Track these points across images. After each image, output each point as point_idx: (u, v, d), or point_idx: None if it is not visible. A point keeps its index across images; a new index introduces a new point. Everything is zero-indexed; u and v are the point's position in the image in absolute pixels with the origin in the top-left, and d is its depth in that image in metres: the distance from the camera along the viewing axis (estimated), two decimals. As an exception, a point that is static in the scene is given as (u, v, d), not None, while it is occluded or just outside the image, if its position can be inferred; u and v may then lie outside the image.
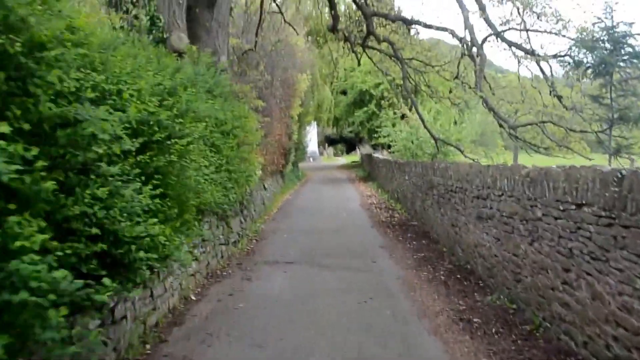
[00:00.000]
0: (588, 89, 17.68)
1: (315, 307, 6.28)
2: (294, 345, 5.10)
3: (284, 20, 17.14)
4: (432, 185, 10.92)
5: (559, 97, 13.82)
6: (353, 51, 18.59)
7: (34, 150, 2.64)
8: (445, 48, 21.24)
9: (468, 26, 13.67)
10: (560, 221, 4.80)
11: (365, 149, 44.30)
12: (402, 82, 17.02)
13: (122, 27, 6.74)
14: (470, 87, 15.02)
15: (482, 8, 13.54)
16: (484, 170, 7.24)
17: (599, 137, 14.44)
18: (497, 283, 6.67)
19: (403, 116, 20.98)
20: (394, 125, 21.18)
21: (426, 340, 5.19)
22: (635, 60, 17.00)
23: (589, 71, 16.58)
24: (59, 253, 2.77)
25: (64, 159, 3.12)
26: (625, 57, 16.79)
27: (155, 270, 5.12)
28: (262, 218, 13.98)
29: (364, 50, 18.19)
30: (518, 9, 13.49)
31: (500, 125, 14.30)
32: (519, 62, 14.36)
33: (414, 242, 10.37)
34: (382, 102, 26.58)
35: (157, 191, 4.30)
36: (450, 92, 18.71)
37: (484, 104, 14.09)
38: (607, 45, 16.36)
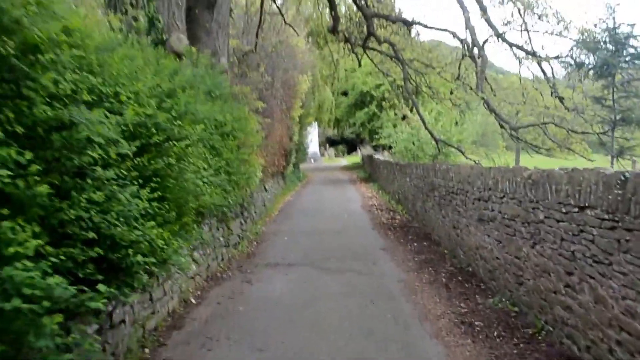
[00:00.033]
0: (590, 90, 17.65)
1: (317, 311, 6.23)
2: (294, 349, 5.07)
3: (285, 21, 17.11)
4: (433, 187, 10.88)
5: (561, 99, 13.78)
6: (354, 52, 18.59)
7: (28, 155, 2.60)
8: (446, 49, 21.21)
9: (469, 27, 13.64)
10: (562, 224, 4.76)
11: (367, 150, 44.24)
12: (403, 83, 17.01)
13: (120, 29, 6.68)
14: (471, 89, 14.98)
15: (483, 9, 13.51)
16: (486, 172, 7.19)
17: (600, 139, 14.40)
18: (498, 286, 6.62)
19: (404, 117, 20.95)
20: (395, 126, 21.15)
21: (428, 344, 5.14)
22: (637, 62, 16.97)
23: (591, 72, 16.54)
24: (53, 259, 2.72)
25: (59, 162, 3.08)
26: (627, 59, 16.75)
27: (154, 274, 5.08)
28: (263, 220, 13.93)
29: (364, 52, 18.18)
30: (519, 10, 13.46)
31: (502, 127, 14.26)
32: (520, 63, 14.33)
33: (415, 244, 10.32)
34: (383, 103, 26.63)
35: (155, 194, 4.26)
36: (452, 93, 18.68)
37: (486, 106, 14.06)
38: (609, 46, 16.32)
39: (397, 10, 23.53)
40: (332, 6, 15.81)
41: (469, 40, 13.80)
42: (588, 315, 4.31)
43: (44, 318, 2.46)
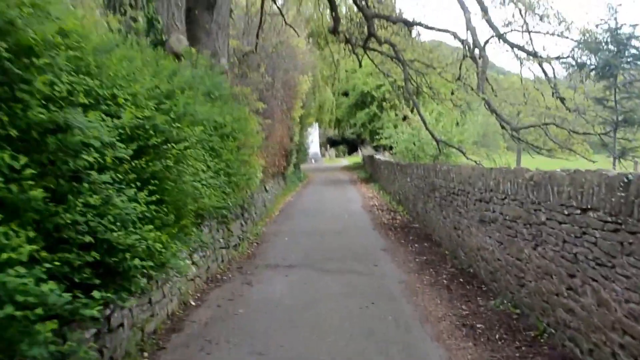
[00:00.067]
0: (591, 91, 17.58)
1: (317, 312, 6.19)
2: (295, 352, 5.03)
3: (285, 22, 17.08)
4: (434, 187, 10.84)
5: (562, 99, 13.73)
6: (354, 53, 18.57)
7: (22, 159, 2.56)
8: (447, 49, 21.15)
9: (470, 28, 13.60)
10: (564, 226, 4.71)
11: (367, 150, 44.17)
12: (403, 83, 16.96)
13: (119, 30, 6.64)
14: (472, 89, 14.94)
15: (484, 10, 13.46)
16: (487, 173, 7.15)
17: (602, 140, 14.35)
18: (500, 287, 6.58)
19: (405, 118, 20.89)
20: (395, 126, 21.08)
21: (429, 347, 5.10)
22: (639, 62, 16.91)
23: (592, 73, 16.48)
24: (48, 265, 2.67)
25: (54, 165, 3.04)
26: (629, 59, 16.69)
27: (153, 278, 5.04)
28: (264, 220, 13.90)
29: (365, 52, 18.15)
30: (520, 10, 13.41)
31: (503, 127, 14.21)
32: (521, 63, 14.28)
33: (416, 245, 10.28)
34: (384, 103, 26.59)
35: (154, 197, 4.21)
36: (452, 93, 18.63)
37: (487, 106, 14.01)
38: (611, 47, 16.25)
39: (397, 11, 23.46)
40: (333, 7, 15.78)
41: (470, 40, 13.76)
42: (591, 318, 4.27)
43: (38, 325, 2.42)
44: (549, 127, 13.77)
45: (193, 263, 7.00)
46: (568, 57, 14.24)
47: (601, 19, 16.46)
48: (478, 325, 5.62)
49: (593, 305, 4.23)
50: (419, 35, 25.10)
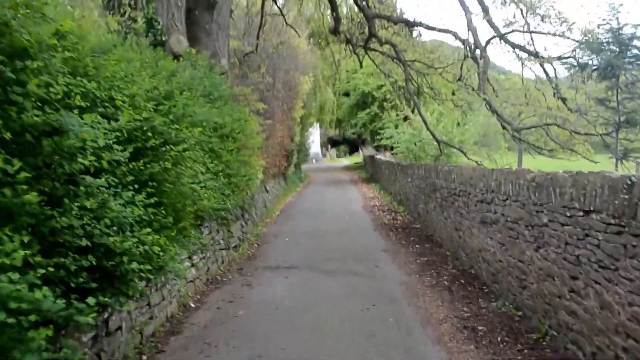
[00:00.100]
0: (593, 91, 17.53)
1: (317, 314, 6.16)
2: (295, 354, 5.00)
3: (286, 22, 17.04)
4: (435, 188, 10.79)
5: (563, 100, 13.68)
6: (355, 53, 18.53)
7: (17, 163, 2.51)
8: (448, 50, 21.08)
9: (471, 28, 13.55)
10: (567, 228, 4.67)
11: (368, 150, 44.12)
12: (404, 84, 16.92)
13: (117, 31, 6.60)
14: (473, 90, 14.89)
15: (485, 10, 13.42)
16: (488, 174, 7.11)
17: (604, 141, 14.29)
18: (502, 289, 6.54)
19: (406, 118, 20.84)
20: (396, 127, 21.06)
21: (430, 350, 5.06)
22: (641, 63, 16.87)
23: (594, 74, 16.42)
24: (42, 271, 2.63)
25: (49, 168, 3.00)
26: (632, 60, 16.63)
27: (151, 282, 5.00)
28: (264, 221, 13.87)
29: (366, 52, 18.12)
30: (522, 10, 13.35)
31: (504, 128, 14.16)
32: (522, 64, 14.22)
33: (417, 246, 10.24)
34: (385, 103, 26.49)
35: (152, 200, 4.17)
36: (453, 94, 18.59)
37: (488, 107, 13.96)
38: (613, 47, 16.19)
39: (398, 11, 23.43)
40: (334, 7, 15.76)
41: (471, 41, 13.70)
42: (593, 321, 4.22)
43: (31, 332, 2.38)
44: (550, 128, 13.72)
45: (193, 265, 6.97)
46: (570, 57, 14.18)
47: (603, 19, 16.40)
48: (480, 328, 5.58)
49: (596, 308, 4.18)
50: (420, 35, 25.02)
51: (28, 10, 2.95)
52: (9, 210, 2.56)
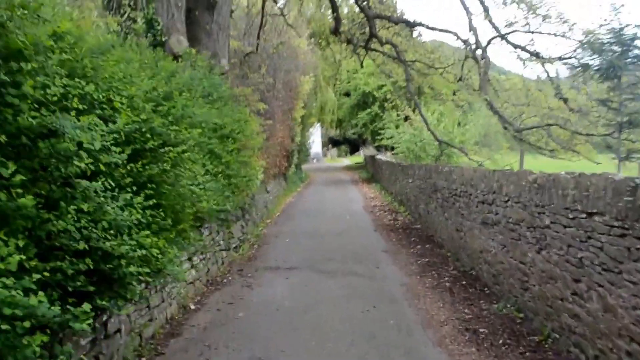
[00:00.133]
0: (595, 92, 17.49)
1: (318, 316, 6.13)
2: (295, 357, 4.99)
3: (286, 22, 17.01)
4: (436, 188, 10.75)
5: (565, 100, 13.64)
6: (356, 53, 18.50)
7: (12, 167, 2.48)
8: (448, 50, 21.04)
9: (472, 28, 13.52)
10: (569, 230, 4.63)
11: (369, 150, 44.11)
12: (405, 84, 16.89)
13: (116, 31, 6.56)
14: (474, 90, 14.86)
15: (486, 10, 13.39)
16: (489, 175, 7.07)
17: (607, 142, 14.26)
18: (503, 290, 6.50)
19: (406, 118, 20.81)
20: (397, 127, 21.01)
21: (431, 352, 5.02)
22: (643, 63, 16.83)
23: (596, 75, 16.40)
24: (37, 276, 2.59)
25: (46, 171, 2.96)
26: (634, 60, 16.59)
27: (150, 284, 4.97)
28: (264, 222, 13.84)
29: (366, 53, 18.08)
30: (523, 10, 13.32)
31: (505, 128, 14.13)
32: (524, 64, 14.19)
33: (418, 247, 10.19)
34: (385, 104, 26.41)
35: (151, 202, 4.13)
36: (454, 94, 18.56)
37: (489, 107, 13.92)
38: (615, 48, 16.15)
39: (399, 12, 23.39)
40: (334, 7, 15.73)
41: (472, 41, 13.69)
42: (597, 324, 4.18)
43: (26, 338, 2.34)
44: (551, 128, 13.68)
45: (193, 266, 6.93)
46: (571, 57, 14.15)
47: (604, 20, 16.39)
48: (481, 330, 5.54)
49: (599, 311, 4.14)
50: (421, 35, 25.03)
51: (25, 12, 2.92)
52: (4, 214, 2.53)
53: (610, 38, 16.01)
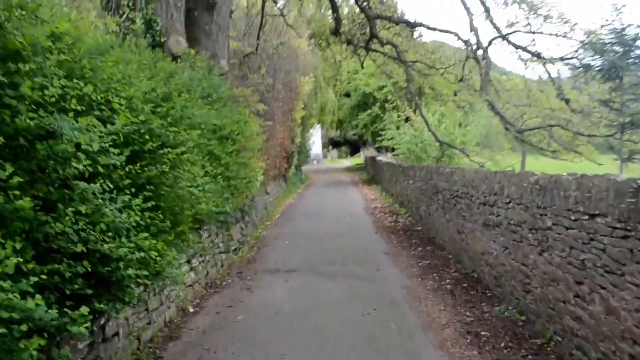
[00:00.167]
0: (597, 93, 17.46)
1: (318, 319, 6.09)
2: (295, 360, 4.93)
3: (286, 23, 16.98)
4: (437, 190, 10.71)
5: (567, 100, 13.60)
6: (356, 54, 18.48)
7: (9, 168, 2.44)
8: (449, 50, 21.00)
9: (473, 29, 13.49)
10: (571, 231, 4.59)
11: (370, 151, 44.09)
12: (405, 84, 16.87)
13: (114, 32, 6.53)
14: (475, 90, 14.83)
15: (487, 10, 13.36)
16: (491, 176, 7.03)
17: (609, 142, 14.23)
18: (505, 293, 6.46)
19: (407, 119, 20.78)
20: (398, 128, 20.98)
21: (432, 356, 4.98)
22: (645, 64, 16.80)
23: (598, 76, 16.37)
24: (35, 278, 2.55)
25: (44, 173, 2.93)
26: (636, 61, 16.57)
27: (148, 287, 4.93)
28: (264, 224, 13.81)
29: (367, 53, 18.06)
30: (524, 11, 13.29)
31: (507, 129, 14.10)
32: (525, 64, 14.15)
33: (419, 249, 10.15)
34: (386, 104, 26.38)
35: (149, 204, 4.10)
36: (455, 94, 18.53)
37: (490, 108, 13.89)
38: (617, 48, 16.13)
39: (399, 12, 23.37)
40: (335, 8, 15.71)
41: (473, 41, 13.66)
42: (599, 326, 4.14)
43: (23, 342, 2.31)
44: (553, 129, 13.64)
45: (192, 269, 6.90)
46: (572, 58, 14.12)
47: (606, 20, 16.37)
48: (483, 333, 5.50)
49: (602, 314, 4.10)
50: (421, 36, 25.03)
51: (23, 12, 2.89)
52: (1, 216, 2.50)
53: (612, 38, 16.01)
